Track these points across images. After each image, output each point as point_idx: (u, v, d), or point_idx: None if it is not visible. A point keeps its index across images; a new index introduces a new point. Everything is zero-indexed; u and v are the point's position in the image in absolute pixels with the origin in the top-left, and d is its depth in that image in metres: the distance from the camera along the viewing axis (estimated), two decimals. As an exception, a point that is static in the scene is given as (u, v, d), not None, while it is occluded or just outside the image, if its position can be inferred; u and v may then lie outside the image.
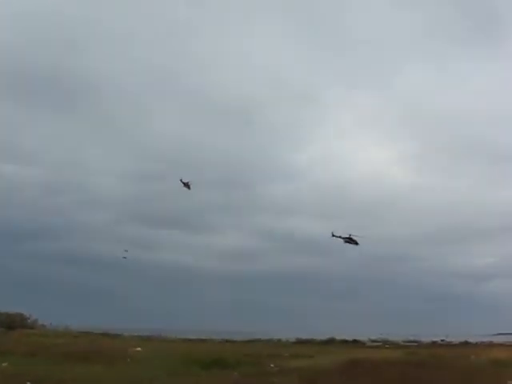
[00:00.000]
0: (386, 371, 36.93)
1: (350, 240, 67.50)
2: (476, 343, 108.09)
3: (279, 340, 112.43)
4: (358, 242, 68.30)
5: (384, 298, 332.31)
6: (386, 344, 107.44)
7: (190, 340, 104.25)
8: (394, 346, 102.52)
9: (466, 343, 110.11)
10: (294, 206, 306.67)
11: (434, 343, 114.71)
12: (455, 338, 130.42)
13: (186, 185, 75.35)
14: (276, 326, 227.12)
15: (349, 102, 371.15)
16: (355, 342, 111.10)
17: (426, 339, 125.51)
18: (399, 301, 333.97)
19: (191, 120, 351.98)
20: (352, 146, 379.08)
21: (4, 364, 38.47)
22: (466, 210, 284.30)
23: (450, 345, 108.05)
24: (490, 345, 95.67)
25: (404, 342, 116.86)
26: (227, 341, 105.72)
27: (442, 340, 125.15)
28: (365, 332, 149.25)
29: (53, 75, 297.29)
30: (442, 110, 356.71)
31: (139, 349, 61.27)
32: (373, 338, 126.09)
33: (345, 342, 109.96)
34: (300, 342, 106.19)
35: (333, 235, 70.75)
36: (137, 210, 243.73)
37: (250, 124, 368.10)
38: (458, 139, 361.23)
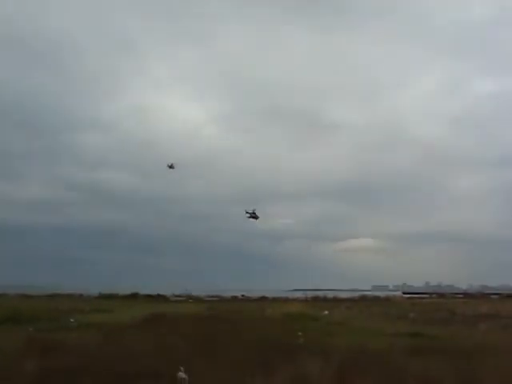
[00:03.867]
0: (185, 324, 37.48)
1: (254, 215, 66.71)
2: (273, 298, 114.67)
3: (81, 295, 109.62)
4: (259, 216, 67.93)
5: (189, 255, 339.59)
6: (189, 299, 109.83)
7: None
8: (197, 300, 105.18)
9: (263, 298, 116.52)
10: (103, 157, 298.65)
11: (234, 298, 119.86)
12: (254, 293, 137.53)
13: (171, 167, 68.02)
14: (80, 280, 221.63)
15: (168, 56, 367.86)
16: (159, 296, 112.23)
17: (227, 294, 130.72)
18: (203, 258, 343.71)
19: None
20: (167, 100, 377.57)
21: None
22: (270, 173, 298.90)
23: (248, 300, 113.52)
24: (285, 300, 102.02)
25: (206, 297, 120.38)
26: (24, 296, 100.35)
27: (242, 295, 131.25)
28: (170, 287, 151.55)
29: None
30: (256, 74, 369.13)
31: None
32: (177, 293, 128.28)
33: (149, 296, 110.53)
34: (103, 297, 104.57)
35: (246, 212, 69.27)
36: None
37: (62, 68, 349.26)
38: (268, 105, 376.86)
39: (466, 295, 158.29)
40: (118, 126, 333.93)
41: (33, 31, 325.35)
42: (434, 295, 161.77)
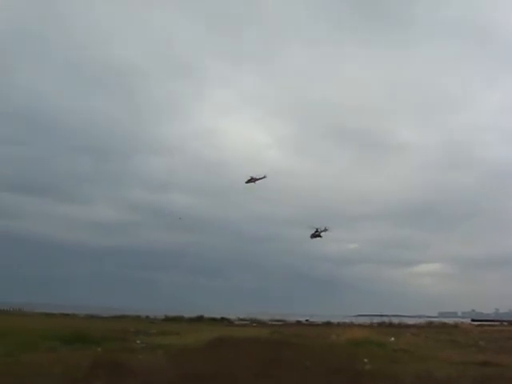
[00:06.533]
0: (249, 348, 37.42)
1: (318, 234, 66.02)
2: (337, 323, 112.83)
3: (147, 317, 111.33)
4: (322, 235, 67.40)
5: (253, 278, 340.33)
6: (253, 323, 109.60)
7: (51, 315, 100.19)
8: (261, 324, 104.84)
9: (328, 323, 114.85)
10: (169, 180, 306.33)
11: (298, 323, 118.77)
12: (318, 318, 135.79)
13: (253, 180, 67.06)
14: (145, 302, 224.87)
15: (230, 78, 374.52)
16: (223, 320, 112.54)
17: (291, 319, 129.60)
18: (267, 281, 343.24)
19: (63, 82, 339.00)
20: (231, 123, 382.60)
21: None
22: (334, 195, 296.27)
23: (313, 325, 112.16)
24: (350, 325, 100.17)
25: (271, 320, 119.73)
26: (92, 316, 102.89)
27: (306, 320, 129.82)
28: (233, 310, 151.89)
29: None
30: (319, 95, 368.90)
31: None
32: (241, 316, 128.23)
33: (213, 319, 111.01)
34: (168, 319, 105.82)
35: (313, 233, 68.05)
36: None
37: (130, 93, 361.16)
38: (331, 127, 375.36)
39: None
40: (181, 150, 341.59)
41: (97, 59, 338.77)
42: (505, 323, 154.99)
